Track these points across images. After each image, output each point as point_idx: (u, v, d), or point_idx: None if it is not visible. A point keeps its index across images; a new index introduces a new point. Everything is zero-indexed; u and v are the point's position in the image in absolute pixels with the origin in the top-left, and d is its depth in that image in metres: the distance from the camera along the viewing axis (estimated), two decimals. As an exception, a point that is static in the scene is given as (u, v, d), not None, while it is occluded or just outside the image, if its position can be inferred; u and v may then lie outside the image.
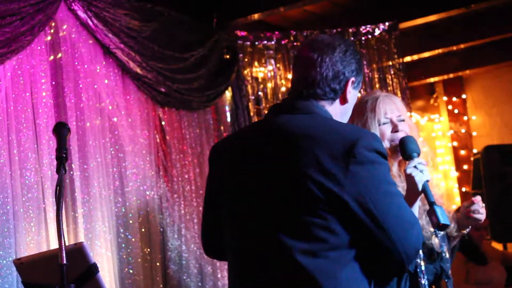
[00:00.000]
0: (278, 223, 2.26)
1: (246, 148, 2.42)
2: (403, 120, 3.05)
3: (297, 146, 2.25)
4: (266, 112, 6.09)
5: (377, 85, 6.56)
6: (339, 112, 2.47)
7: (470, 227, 3.21)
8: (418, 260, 2.98)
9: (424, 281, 2.96)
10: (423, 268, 2.98)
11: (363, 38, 6.41)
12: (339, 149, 2.20)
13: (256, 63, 6.31)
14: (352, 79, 2.44)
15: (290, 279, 2.23)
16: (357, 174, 2.20)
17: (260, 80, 6.39)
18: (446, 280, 3.14)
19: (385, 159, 2.29)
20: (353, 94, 2.47)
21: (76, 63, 4.64)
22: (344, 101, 2.46)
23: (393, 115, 3.05)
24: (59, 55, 4.57)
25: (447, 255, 3.15)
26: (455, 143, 9.13)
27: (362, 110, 3.04)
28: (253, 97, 6.28)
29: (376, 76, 6.60)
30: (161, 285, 5.11)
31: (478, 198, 3.14)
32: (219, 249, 2.62)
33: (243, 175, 2.39)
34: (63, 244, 2.28)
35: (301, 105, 2.39)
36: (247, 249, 2.37)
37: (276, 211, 2.28)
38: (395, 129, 3.02)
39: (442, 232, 3.11)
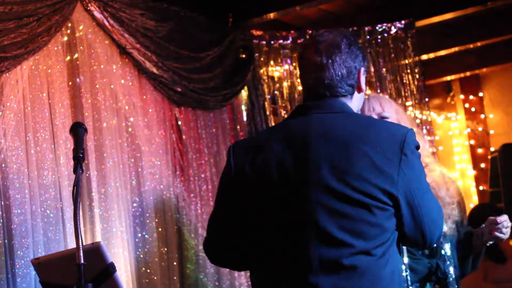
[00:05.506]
0: (331, 222, 2.28)
1: (284, 147, 2.39)
2: (386, 118, 3.10)
3: (349, 148, 2.30)
4: (282, 111, 6.14)
5: (393, 84, 6.55)
6: (357, 101, 2.56)
7: (491, 242, 3.25)
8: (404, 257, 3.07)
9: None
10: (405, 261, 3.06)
11: (379, 37, 6.39)
12: (391, 148, 2.30)
13: (272, 62, 6.31)
14: (362, 68, 2.52)
15: (343, 277, 2.27)
16: (407, 171, 2.30)
17: (276, 79, 6.39)
18: (442, 277, 3.20)
19: None
20: (363, 80, 2.56)
21: (93, 63, 4.66)
22: (359, 90, 2.54)
23: (373, 113, 3.15)
24: (76, 55, 4.59)
25: (448, 253, 3.20)
26: (472, 142, 9.07)
27: None
28: (269, 96, 6.27)
29: (392, 74, 6.59)
30: (178, 285, 5.11)
31: (503, 218, 3.17)
32: (235, 254, 2.55)
33: (288, 175, 2.36)
34: (80, 244, 2.30)
35: (331, 104, 2.44)
36: (292, 251, 2.34)
37: (330, 210, 2.29)
38: None
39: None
